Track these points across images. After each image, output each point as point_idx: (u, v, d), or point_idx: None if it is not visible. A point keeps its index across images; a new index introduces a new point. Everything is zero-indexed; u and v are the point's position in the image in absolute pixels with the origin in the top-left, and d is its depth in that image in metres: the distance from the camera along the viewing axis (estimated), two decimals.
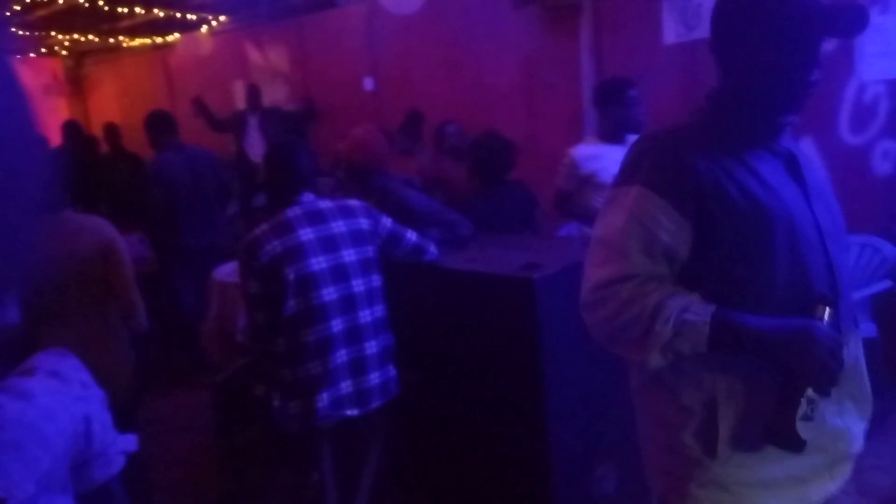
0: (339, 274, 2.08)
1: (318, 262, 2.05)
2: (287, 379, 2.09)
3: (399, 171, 3.92)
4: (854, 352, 1.21)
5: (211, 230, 3.92)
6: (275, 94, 6.28)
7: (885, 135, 3.29)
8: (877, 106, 3.29)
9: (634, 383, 1.31)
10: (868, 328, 2.89)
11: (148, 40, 7.50)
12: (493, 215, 2.75)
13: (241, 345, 2.72)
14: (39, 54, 8.55)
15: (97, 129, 7.73)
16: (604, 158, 2.74)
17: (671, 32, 3.86)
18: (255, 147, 5.58)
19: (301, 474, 2.58)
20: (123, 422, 0.91)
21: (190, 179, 3.83)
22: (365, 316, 2.12)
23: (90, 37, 7.47)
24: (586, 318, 1.18)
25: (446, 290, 2.27)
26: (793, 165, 1.21)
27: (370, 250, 2.16)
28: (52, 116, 7.49)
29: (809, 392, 1.09)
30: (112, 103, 8.48)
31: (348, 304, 2.09)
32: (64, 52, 8.59)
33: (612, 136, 2.84)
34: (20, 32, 6.98)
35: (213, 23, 6.73)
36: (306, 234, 2.05)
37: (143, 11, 6.32)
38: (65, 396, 0.79)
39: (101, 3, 5.86)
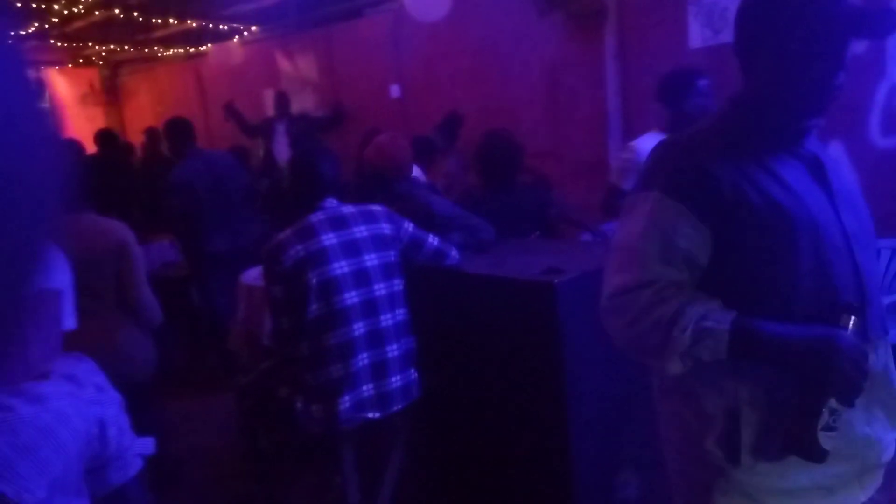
0: (361, 278, 2.10)
1: (341, 267, 2.07)
2: (310, 382, 2.11)
3: (431, 169, 3.92)
4: (883, 358, 1.18)
5: (237, 234, 3.88)
6: (304, 102, 6.38)
7: None
8: None
9: (656, 389, 1.30)
10: None
11: (181, 50, 7.68)
12: (499, 215, 2.66)
13: (269, 348, 2.76)
14: (77, 65, 8.82)
15: (133, 137, 7.95)
16: None
17: (697, 36, 3.81)
18: (283, 152, 5.73)
19: (324, 476, 2.60)
20: (140, 414, 0.91)
21: (211, 185, 3.78)
22: (386, 320, 2.14)
23: (126, 47, 7.68)
24: (605, 324, 1.18)
25: (468, 294, 2.27)
26: (818, 169, 1.18)
27: (392, 255, 2.18)
28: (90, 125, 7.69)
29: (832, 402, 1.06)
30: (147, 111, 8.69)
31: (370, 308, 2.11)
32: (100, 63, 8.84)
33: (680, 129, 2.73)
34: (58, 44, 7.22)
35: (245, 33, 6.87)
36: (329, 238, 2.08)
37: (176, 22, 6.49)
38: (79, 400, 0.78)
39: (136, 14, 6.03)
